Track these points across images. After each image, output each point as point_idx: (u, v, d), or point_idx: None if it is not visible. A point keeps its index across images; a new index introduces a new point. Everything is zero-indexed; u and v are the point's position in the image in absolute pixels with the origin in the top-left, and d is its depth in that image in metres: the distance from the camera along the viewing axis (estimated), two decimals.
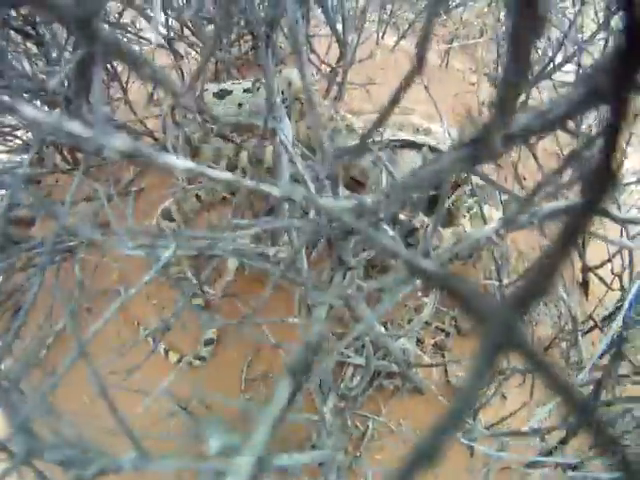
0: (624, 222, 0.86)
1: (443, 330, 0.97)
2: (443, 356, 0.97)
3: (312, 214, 0.58)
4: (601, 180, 0.16)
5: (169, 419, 0.87)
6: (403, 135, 0.97)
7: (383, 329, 0.74)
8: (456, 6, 1.88)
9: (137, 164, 1.21)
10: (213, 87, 1.08)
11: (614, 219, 0.59)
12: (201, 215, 1.09)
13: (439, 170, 0.34)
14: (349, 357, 0.79)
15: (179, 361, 1.00)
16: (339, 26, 1.27)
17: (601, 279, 1.32)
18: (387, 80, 1.55)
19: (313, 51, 1.30)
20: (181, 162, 0.30)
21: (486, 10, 1.87)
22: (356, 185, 1.00)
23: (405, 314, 0.85)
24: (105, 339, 1.10)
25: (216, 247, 0.49)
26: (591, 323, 1.26)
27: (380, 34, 1.81)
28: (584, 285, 1.41)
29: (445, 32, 1.95)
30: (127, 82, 1.31)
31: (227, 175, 0.34)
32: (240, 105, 1.08)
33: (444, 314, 0.96)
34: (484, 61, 1.34)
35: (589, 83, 0.22)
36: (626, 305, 0.67)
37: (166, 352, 1.00)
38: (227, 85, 1.08)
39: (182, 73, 1.32)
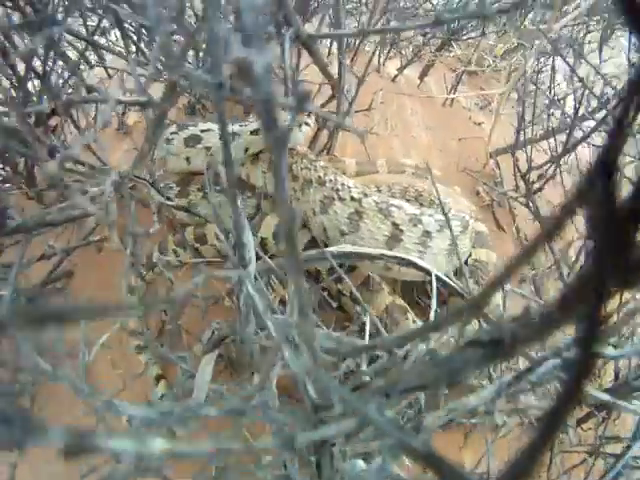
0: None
1: None
2: None
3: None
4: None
5: None
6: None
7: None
8: (464, 35, 1.74)
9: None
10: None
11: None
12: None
13: (448, 372, 0.30)
14: None
15: None
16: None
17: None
18: (386, 116, 1.43)
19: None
20: (133, 446, 0.22)
21: (495, 43, 1.74)
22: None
23: None
24: (64, 405, 1.00)
25: None
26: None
27: (382, 60, 1.68)
28: None
29: (451, 62, 1.82)
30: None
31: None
32: (247, 150, 0.96)
33: None
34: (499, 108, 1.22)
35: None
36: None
37: None
38: (235, 127, 0.93)
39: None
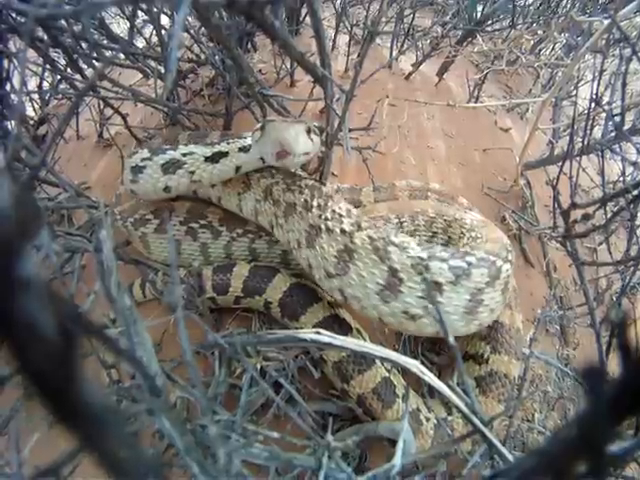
0: None
1: None
2: None
3: None
4: None
5: None
6: None
7: None
8: (490, 26, 1.52)
9: None
10: (205, 150, 0.81)
11: None
12: None
13: None
14: None
15: None
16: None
17: None
18: (397, 122, 1.23)
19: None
20: None
21: (530, 37, 1.51)
22: None
23: None
24: None
25: None
26: None
27: (395, 54, 1.47)
28: None
29: (475, 56, 1.59)
30: None
31: None
32: (238, 169, 0.80)
33: None
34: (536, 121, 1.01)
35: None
36: None
37: None
38: (222, 146, 0.81)
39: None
